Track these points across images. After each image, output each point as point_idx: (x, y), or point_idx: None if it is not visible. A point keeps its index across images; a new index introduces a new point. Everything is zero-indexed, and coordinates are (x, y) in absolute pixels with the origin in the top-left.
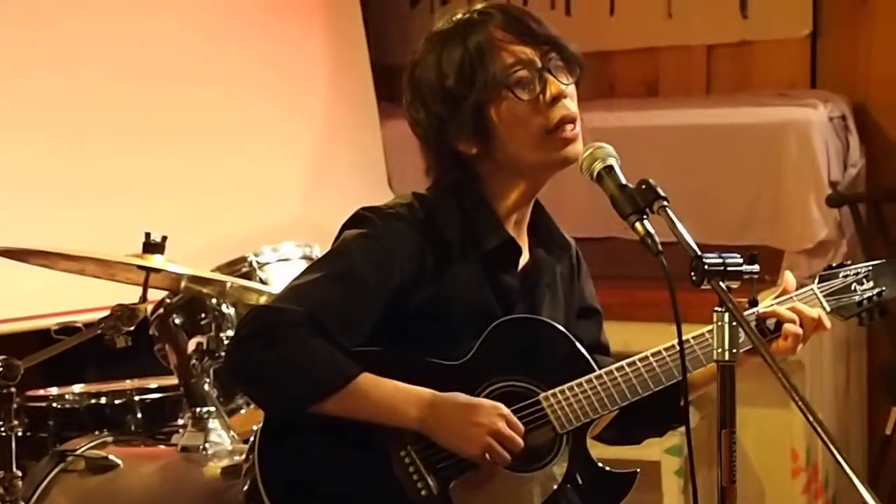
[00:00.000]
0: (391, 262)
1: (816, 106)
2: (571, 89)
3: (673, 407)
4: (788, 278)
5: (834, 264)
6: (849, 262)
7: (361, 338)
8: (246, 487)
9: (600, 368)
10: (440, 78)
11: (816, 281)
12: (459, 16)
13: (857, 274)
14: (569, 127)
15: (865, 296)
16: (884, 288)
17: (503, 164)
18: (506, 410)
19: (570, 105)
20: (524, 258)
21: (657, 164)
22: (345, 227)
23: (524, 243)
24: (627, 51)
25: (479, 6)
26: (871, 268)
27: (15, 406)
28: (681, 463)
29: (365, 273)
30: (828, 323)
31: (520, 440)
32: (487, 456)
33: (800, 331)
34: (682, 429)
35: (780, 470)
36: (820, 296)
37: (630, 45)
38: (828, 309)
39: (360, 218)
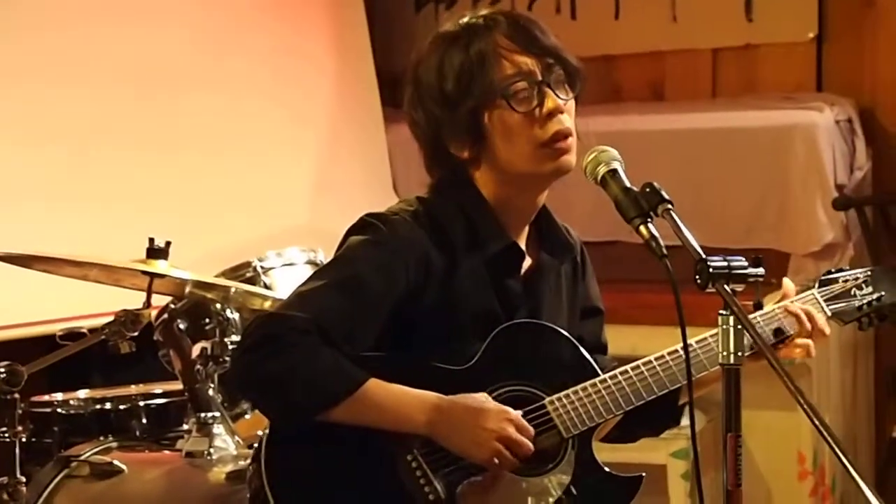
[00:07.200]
0: (397, 269)
1: (822, 109)
2: (570, 104)
3: (670, 407)
4: (788, 285)
5: (833, 269)
6: (847, 267)
7: (367, 344)
8: (252, 492)
9: (601, 369)
10: (440, 80)
11: (817, 286)
12: (466, 20)
13: (856, 279)
14: (562, 140)
15: (865, 301)
16: (883, 293)
17: (495, 171)
18: (514, 415)
19: (566, 120)
20: (527, 261)
21: (663, 168)
22: (349, 233)
23: (527, 246)
24: (633, 55)
25: (485, 12)
26: (869, 273)
27: (19, 412)
28: (687, 466)
29: (370, 280)
30: (827, 329)
31: (529, 445)
32: (496, 460)
33: (811, 342)
34: (689, 432)
35: (788, 473)
36: (821, 300)
37: (635, 49)
38: (828, 314)
39: (365, 224)
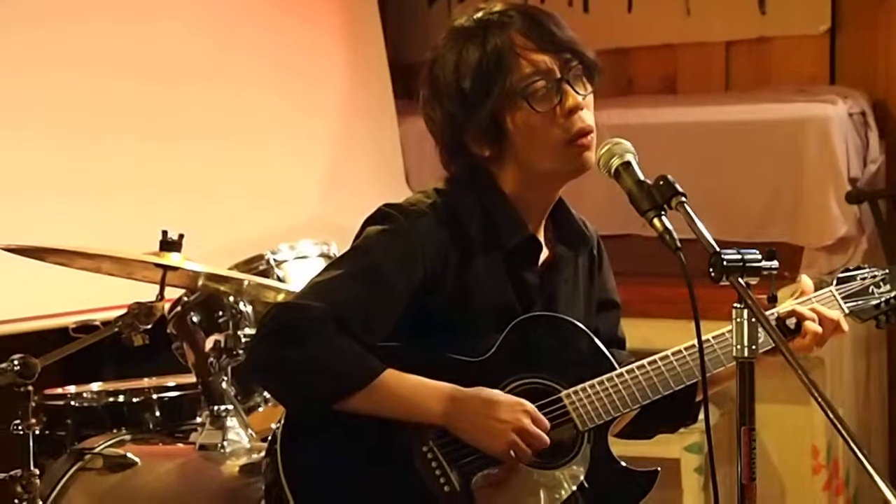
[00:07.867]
0: (414, 259)
1: (836, 102)
2: (589, 99)
3: (686, 404)
4: (806, 282)
5: (851, 266)
6: (865, 265)
7: (384, 334)
8: (267, 483)
9: (617, 363)
10: (457, 79)
11: (834, 283)
12: (480, 14)
13: (874, 277)
14: (583, 137)
15: (882, 299)
16: None
17: (516, 169)
18: (530, 407)
19: (587, 116)
20: (544, 253)
21: (676, 162)
22: (367, 223)
23: (544, 238)
24: (646, 48)
25: (500, 7)
26: (888, 271)
27: (33, 404)
28: (701, 460)
29: (387, 270)
30: (846, 326)
31: (545, 437)
32: (511, 452)
33: (819, 329)
34: (702, 426)
35: (801, 467)
36: (838, 298)
37: (648, 42)
38: (846, 311)
39: (383, 214)
